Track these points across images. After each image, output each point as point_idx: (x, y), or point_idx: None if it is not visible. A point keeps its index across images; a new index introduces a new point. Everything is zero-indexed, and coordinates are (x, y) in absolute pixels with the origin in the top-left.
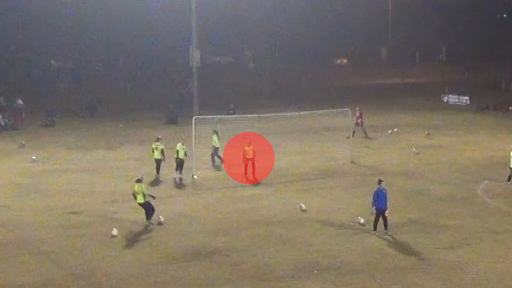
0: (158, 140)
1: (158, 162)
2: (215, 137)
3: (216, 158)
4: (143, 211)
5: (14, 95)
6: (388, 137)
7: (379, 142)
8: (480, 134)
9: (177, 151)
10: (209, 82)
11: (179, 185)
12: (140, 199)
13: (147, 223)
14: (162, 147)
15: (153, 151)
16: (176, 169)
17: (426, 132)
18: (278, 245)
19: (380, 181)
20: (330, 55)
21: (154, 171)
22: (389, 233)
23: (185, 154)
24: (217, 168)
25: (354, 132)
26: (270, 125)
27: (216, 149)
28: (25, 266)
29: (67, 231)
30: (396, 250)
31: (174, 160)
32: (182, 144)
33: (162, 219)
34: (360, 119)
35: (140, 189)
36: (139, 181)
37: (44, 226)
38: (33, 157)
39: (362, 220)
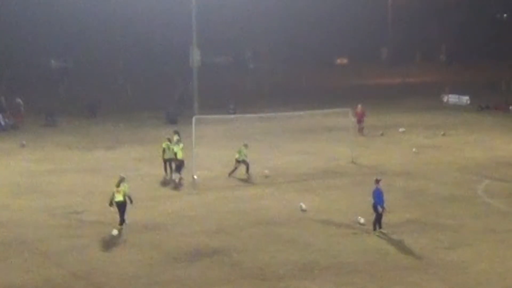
0: (169, 140)
1: (169, 162)
2: (176, 137)
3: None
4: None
5: (14, 94)
6: (388, 137)
7: (379, 142)
8: (480, 134)
9: (175, 153)
10: (209, 82)
11: (179, 185)
12: (120, 197)
13: (119, 227)
14: (173, 147)
15: (164, 151)
16: (176, 170)
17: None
18: (278, 245)
19: (378, 181)
20: (330, 55)
21: (163, 172)
22: (384, 231)
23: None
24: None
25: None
26: (270, 125)
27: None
28: (25, 266)
29: (67, 231)
30: (396, 250)
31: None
32: (179, 145)
33: (115, 232)
34: (362, 118)
35: (123, 188)
36: (123, 179)
37: (44, 226)
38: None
39: (362, 220)
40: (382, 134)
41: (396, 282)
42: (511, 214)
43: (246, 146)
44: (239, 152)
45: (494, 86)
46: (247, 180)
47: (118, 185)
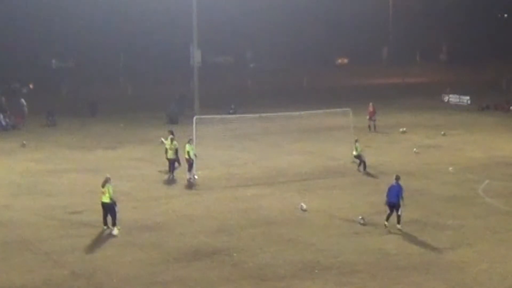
0: (172, 140)
1: (172, 162)
2: (171, 137)
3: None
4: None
5: (16, 94)
6: (388, 137)
7: (380, 141)
8: (481, 134)
9: (188, 152)
10: (210, 82)
11: (183, 185)
12: (106, 199)
13: (107, 227)
14: (176, 147)
15: (166, 151)
16: (189, 170)
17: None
18: (278, 244)
19: (398, 177)
20: (331, 55)
21: (168, 171)
22: (387, 225)
23: (194, 155)
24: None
25: (370, 126)
26: (270, 125)
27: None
28: (26, 266)
29: (68, 231)
30: (397, 250)
31: (184, 160)
32: (190, 145)
33: (116, 232)
34: (374, 115)
35: (107, 189)
36: (108, 180)
37: (45, 226)
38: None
39: (362, 220)
40: (404, 131)
41: (396, 282)
42: None
43: (357, 141)
44: (355, 148)
45: (495, 86)
46: (247, 180)
47: (103, 186)
